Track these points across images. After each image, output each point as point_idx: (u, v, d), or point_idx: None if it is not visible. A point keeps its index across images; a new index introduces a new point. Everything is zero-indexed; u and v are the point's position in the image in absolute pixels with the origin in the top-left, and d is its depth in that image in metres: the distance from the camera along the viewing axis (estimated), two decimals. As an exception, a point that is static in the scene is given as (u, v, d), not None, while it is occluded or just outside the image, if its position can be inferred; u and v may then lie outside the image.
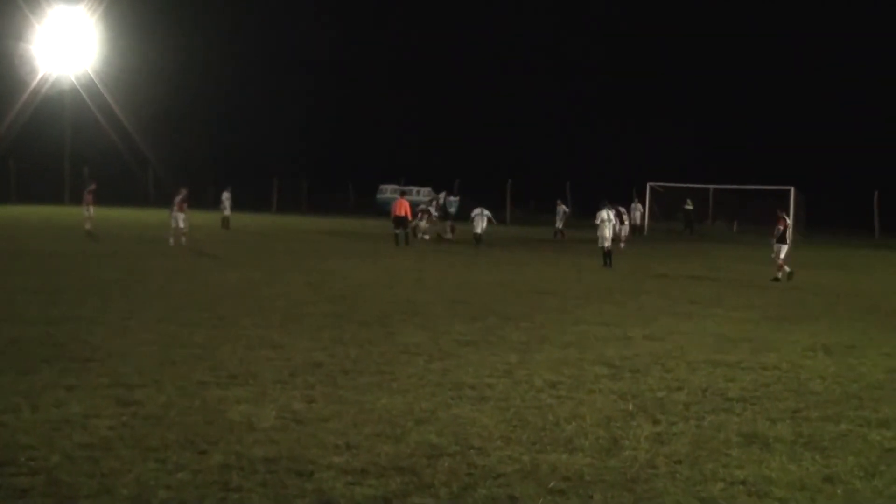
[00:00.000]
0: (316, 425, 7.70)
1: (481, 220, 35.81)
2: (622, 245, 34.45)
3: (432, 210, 39.08)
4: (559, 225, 40.57)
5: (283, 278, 19.90)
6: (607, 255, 26.09)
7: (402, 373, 9.89)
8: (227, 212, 40.34)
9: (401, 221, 32.91)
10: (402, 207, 33.27)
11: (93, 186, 34.36)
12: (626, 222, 36.44)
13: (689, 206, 48.57)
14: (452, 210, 64.00)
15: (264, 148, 74.91)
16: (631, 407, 8.65)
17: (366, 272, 22.23)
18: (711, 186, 49.06)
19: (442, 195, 62.57)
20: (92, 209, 33.15)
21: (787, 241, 23.46)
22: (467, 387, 9.28)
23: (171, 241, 28.34)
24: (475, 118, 76.70)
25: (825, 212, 48.44)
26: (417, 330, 12.90)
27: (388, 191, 66.34)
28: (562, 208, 41.63)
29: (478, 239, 34.80)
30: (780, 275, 22.78)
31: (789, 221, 23.59)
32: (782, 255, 23.10)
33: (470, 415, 8.18)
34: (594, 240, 27.78)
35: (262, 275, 20.49)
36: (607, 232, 26.39)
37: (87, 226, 32.38)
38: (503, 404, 8.61)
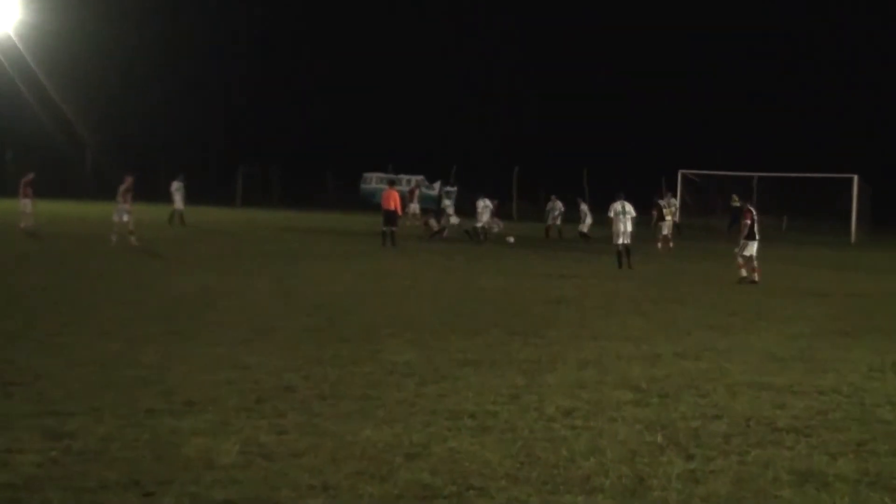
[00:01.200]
0: (287, 461, 7.64)
1: (486, 212, 36.07)
2: (671, 245, 34.65)
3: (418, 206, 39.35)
4: (583, 228, 39.95)
5: (249, 285, 19.85)
6: (622, 254, 26.47)
7: (389, 398, 9.85)
8: (179, 205, 40.20)
9: (391, 217, 32.83)
10: (392, 200, 33.17)
11: (30, 177, 33.55)
12: (669, 217, 36.65)
13: (737, 203, 48.08)
14: (449, 202, 64.17)
15: (226, 130, 74.91)
16: (660, 439, 8.61)
17: (348, 278, 22.19)
18: (756, 174, 48.99)
19: (436, 185, 62.78)
20: (29, 204, 32.33)
21: (756, 238, 23.79)
22: (466, 415, 9.24)
23: (114, 238, 28.24)
24: (475, 94, 76.80)
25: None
26: (408, 347, 12.87)
27: (373, 180, 66.46)
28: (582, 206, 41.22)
29: (478, 234, 34.94)
30: (755, 276, 23.40)
31: (756, 214, 24.21)
32: (746, 252, 23.63)
33: (469, 448, 8.14)
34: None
35: (225, 281, 20.43)
36: (622, 227, 26.78)
37: (23, 223, 31.73)
38: (509, 436, 8.57)
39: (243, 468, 7.45)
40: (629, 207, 27.47)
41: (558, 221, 41.01)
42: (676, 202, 45.01)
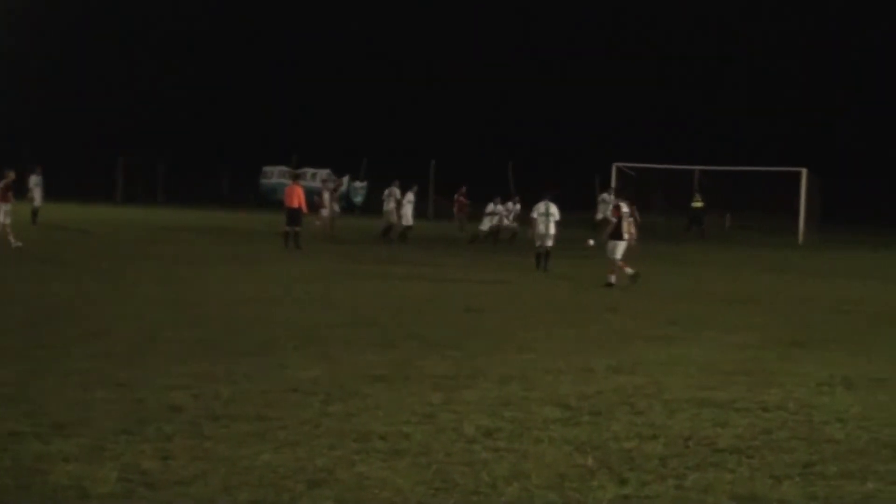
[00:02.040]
0: (173, 490, 7.57)
1: (410, 208, 36.50)
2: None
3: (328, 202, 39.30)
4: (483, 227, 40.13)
5: (131, 292, 19.62)
6: (541, 256, 27.59)
7: (291, 419, 9.80)
8: (37, 202, 39.82)
9: (295, 215, 32.74)
10: (297, 197, 33.10)
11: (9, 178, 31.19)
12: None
13: (699, 204, 48.28)
14: (358, 199, 64.24)
15: (106, 118, 73.80)
16: (591, 461, 8.68)
17: (246, 284, 22.05)
18: (697, 168, 49.62)
19: (345, 180, 62.63)
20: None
21: (624, 237, 24.41)
22: (377, 437, 9.24)
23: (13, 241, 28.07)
24: (384, 78, 76.85)
25: (848, 201, 49.36)
26: (313, 361, 12.82)
27: (274, 174, 66.14)
28: (499, 206, 41.39)
29: (391, 232, 35.28)
30: (613, 279, 23.90)
31: (625, 210, 24.93)
32: (618, 254, 24.13)
33: (379, 474, 8.14)
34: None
35: (102, 287, 20.18)
36: (542, 228, 27.84)
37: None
38: (423, 459, 8.58)
39: (122, 498, 7.36)
40: (553, 209, 28.31)
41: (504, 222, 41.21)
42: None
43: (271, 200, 61.26)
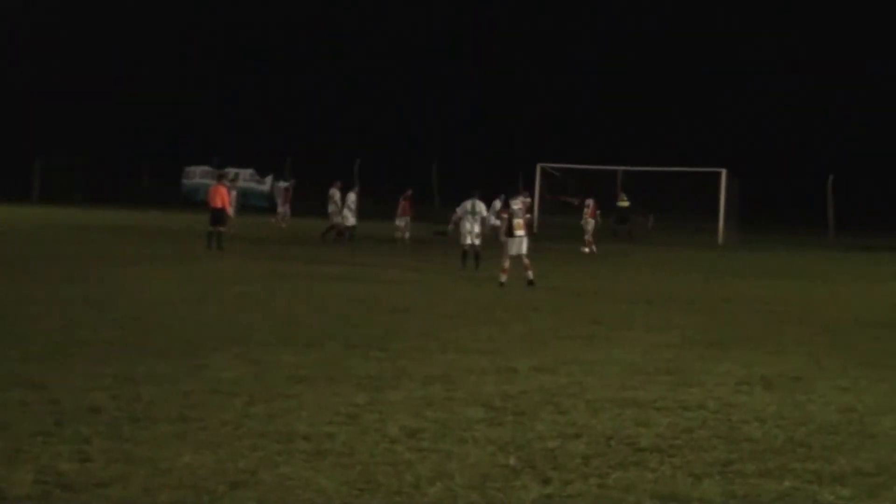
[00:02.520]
0: (91, 492, 7.48)
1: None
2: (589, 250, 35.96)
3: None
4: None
5: (48, 293, 19.35)
6: (467, 254, 28.06)
7: (212, 420, 9.73)
8: None
9: (219, 216, 32.53)
10: (220, 197, 32.90)
11: None
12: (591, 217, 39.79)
13: (624, 202, 48.60)
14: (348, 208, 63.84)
15: (22, 118, 72.59)
16: (514, 461, 8.70)
17: (167, 284, 21.86)
18: (620, 168, 49.98)
19: (268, 180, 62.32)
20: None
21: (516, 235, 24.68)
22: (300, 437, 9.20)
23: None
24: (307, 77, 76.55)
25: (768, 202, 50.00)
26: (235, 362, 12.74)
27: (196, 174, 65.61)
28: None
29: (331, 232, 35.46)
30: (503, 279, 24.12)
31: (515, 207, 25.30)
32: (512, 252, 24.45)
33: (303, 474, 8.10)
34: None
35: (19, 288, 19.89)
36: (468, 226, 28.32)
37: None
38: (347, 460, 8.56)
39: (39, 500, 7.27)
40: (480, 207, 28.70)
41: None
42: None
43: (193, 201, 60.80)
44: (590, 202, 40.52)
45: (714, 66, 70.22)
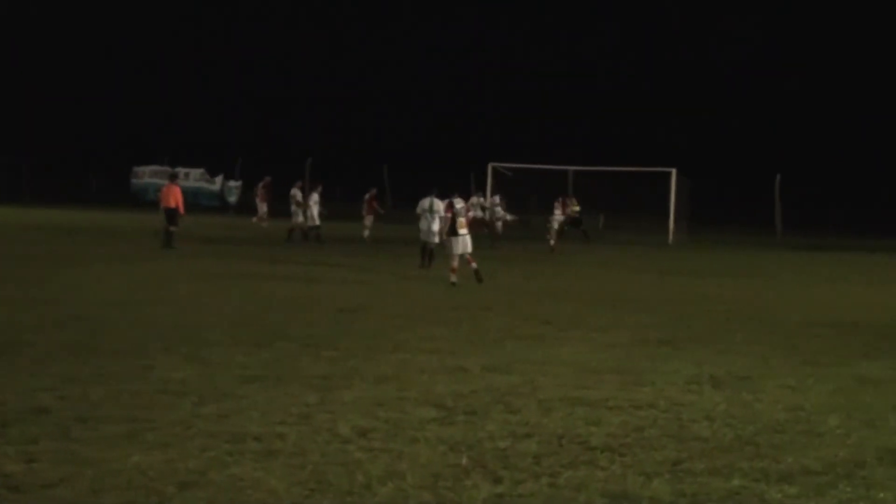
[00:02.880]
0: (38, 493, 7.43)
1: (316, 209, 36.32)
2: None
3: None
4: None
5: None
6: (425, 252, 28.40)
7: (162, 420, 9.67)
8: None
9: (172, 215, 32.44)
10: (173, 197, 32.82)
11: None
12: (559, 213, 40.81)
13: (577, 208, 48.53)
14: (233, 199, 63.64)
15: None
16: (465, 461, 8.72)
17: (116, 284, 21.69)
18: (571, 168, 50.11)
19: (218, 179, 62.02)
20: None
21: (460, 233, 25.02)
22: (250, 438, 9.17)
23: None
24: (258, 77, 76.23)
25: (717, 201, 50.29)
26: (184, 362, 12.67)
27: (146, 174, 65.16)
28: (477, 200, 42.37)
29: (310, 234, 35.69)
30: (453, 279, 24.31)
31: (458, 206, 26.09)
32: (457, 250, 24.74)
33: (253, 475, 8.08)
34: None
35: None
36: (427, 225, 28.65)
37: None
38: (297, 460, 8.54)
39: (-14, 504, 7.21)
40: (438, 205, 28.87)
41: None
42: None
43: (143, 200, 60.38)
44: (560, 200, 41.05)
45: (664, 65, 70.69)
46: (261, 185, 48.65)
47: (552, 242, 38.63)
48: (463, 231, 24.87)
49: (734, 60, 69.13)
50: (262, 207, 45.96)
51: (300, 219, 38.99)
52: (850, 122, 65.35)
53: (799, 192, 52.53)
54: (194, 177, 61.18)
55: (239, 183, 64.39)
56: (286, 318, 17.24)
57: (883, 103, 64.19)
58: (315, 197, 38.67)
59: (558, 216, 40.38)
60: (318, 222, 38.34)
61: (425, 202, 29.17)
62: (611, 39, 72.28)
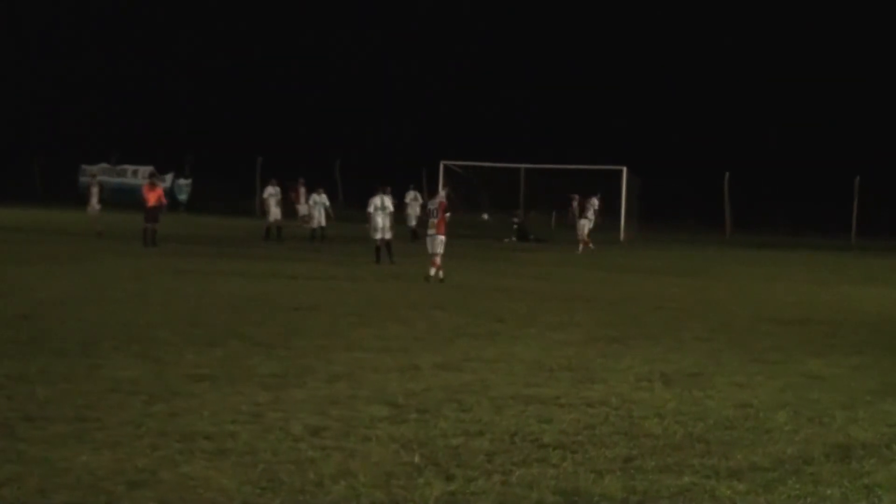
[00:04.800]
0: (-15, 495, 7.37)
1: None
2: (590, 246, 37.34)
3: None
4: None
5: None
6: (380, 249, 28.98)
7: (111, 419, 9.62)
8: None
9: (154, 213, 33.08)
10: (156, 196, 33.79)
11: None
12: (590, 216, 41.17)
13: (518, 219, 48.45)
14: (183, 197, 63.22)
15: None
16: (417, 459, 8.74)
17: (63, 283, 21.52)
18: (523, 166, 50.13)
19: (168, 177, 61.60)
20: None
21: (428, 233, 25.65)
22: (201, 437, 9.14)
23: None
24: (210, 73, 75.68)
25: (667, 199, 50.50)
26: (134, 361, 12.60)
27: (90, 172, 64.63)
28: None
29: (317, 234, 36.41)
30: (432, 272, 25.00)
31: (431, 207, 26.45)
32: (429, 250, 25.38)
33: (204, 474, 8.06)
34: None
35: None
36: (380, 222, 29.08)
37: None
38: (249, 459, 8.53)
39: (-68, 504, 7.14)
40: (388, 202, 29.46)
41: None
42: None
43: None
44: (575, 199, 41.08)
45: (613, 63, 70.90)
46: (297, 185, 48.01)
47: (591, 246, 38.94)
48: (431, 231, 25.34)
49: (683, 57, 69.49)
50: (302, 209, 45.57)
51: (273, 218, 38.98)
52: (798, 121, 65.94)
53: (748, 190, 52.99)
54: (143, 175, 60.69)
55: (189, 181, 63.97)
56: (239, 317, 17.17)
57: (830, 102, 64.86)
58: (270, 189, 38.66)
59: (588, 218, 40.45)
60: (278, 217, 38.39)
61: (377, 200, 29.43)
62: (562, 37, 72.40)
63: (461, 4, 74.64)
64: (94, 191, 38.05)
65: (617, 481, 8.33)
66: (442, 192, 28.30)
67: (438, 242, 25.12)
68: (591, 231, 40.34)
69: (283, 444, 9.04)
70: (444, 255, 25.12)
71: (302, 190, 42.06)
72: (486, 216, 40.95)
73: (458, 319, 17.99)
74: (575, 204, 41.05)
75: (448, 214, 25.76)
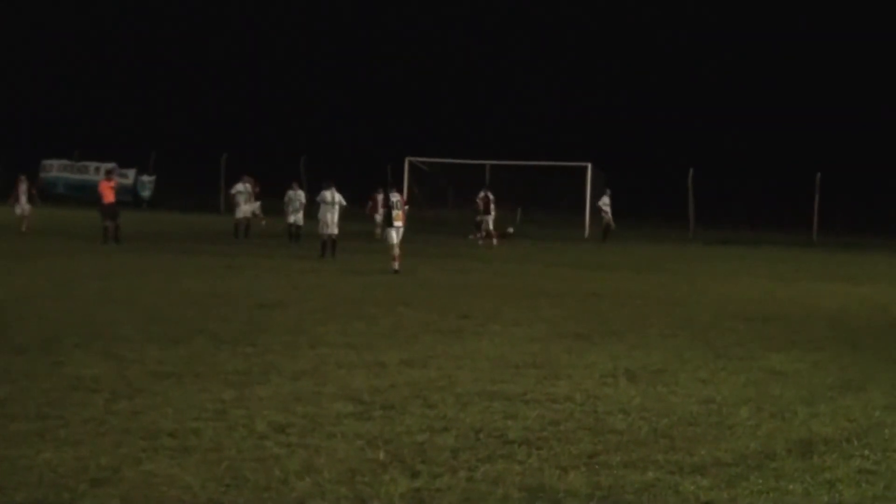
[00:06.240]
0: (-54, 494, 7.31)
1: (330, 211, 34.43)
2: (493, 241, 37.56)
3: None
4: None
5: None
6: (325, 244, 29.63)
7: (73, 417, 9.56)
8: None
9: (113, 210, 32.77)
10: (112, 192, 33.48)
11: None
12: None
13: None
14: (146, 194, 62.91)
15: None
16: (382, 455, 8.74)
17: (22, 280, 21.39)
18: (488, 162, 50.19)
19: (131, 173, 61.27)
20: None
21: (395, 224, 26.54)
22: (165, 434, 9.10)
23: None
24: (174, 68, 75.32)
25: (631, 195, 50.63)
26: (97, 358, 12.53)
27: (54, 168, 64.21)
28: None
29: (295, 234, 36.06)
30: (396, 265, 25.77)
31: (394, 200, 27.21)
32: (393, 240, 26.28)
33: (168, 471, 8.03)
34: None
35: None
36: (329, 217, 29.70)
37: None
38: (214, 456, 8.50)
39: None
40: (338, 197, 30.07)
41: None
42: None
43: (51, 194, 59.40)
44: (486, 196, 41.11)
45: (577, 59, 71.14)
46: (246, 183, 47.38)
47: (494, 242, 39.00)
48: (398, 223, 26.31)
49: (649, 55, 69.85)
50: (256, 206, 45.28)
51: (241, 214, 38.89)
52: (761, 119, 66.38)
53: (711, 187, 53.27)
54: (104, 171, 60.32)
55: (153, 178, 63.66)
56: (202, 314, 17.11)
57: (792, 101, 65.34)
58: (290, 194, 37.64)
59: (491, 214, 40.50)
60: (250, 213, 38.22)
61: (326, 194, 30.10)
62: (528, 33, 72.59)
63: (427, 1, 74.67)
64: (23, 188, 36.96)
65: (582, 477, 8.36)
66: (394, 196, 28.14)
67: (401, 232, 26.30)
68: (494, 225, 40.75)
69: (248, 442, 9.02)
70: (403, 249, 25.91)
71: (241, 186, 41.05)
72: (511, 230, 40.84)
73: (423, 316, 18.00)
74: (479, 200, 41.16)
75: (406, 207, 26.59)
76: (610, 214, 45.07)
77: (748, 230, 52.50)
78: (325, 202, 29.82)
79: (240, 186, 39.34)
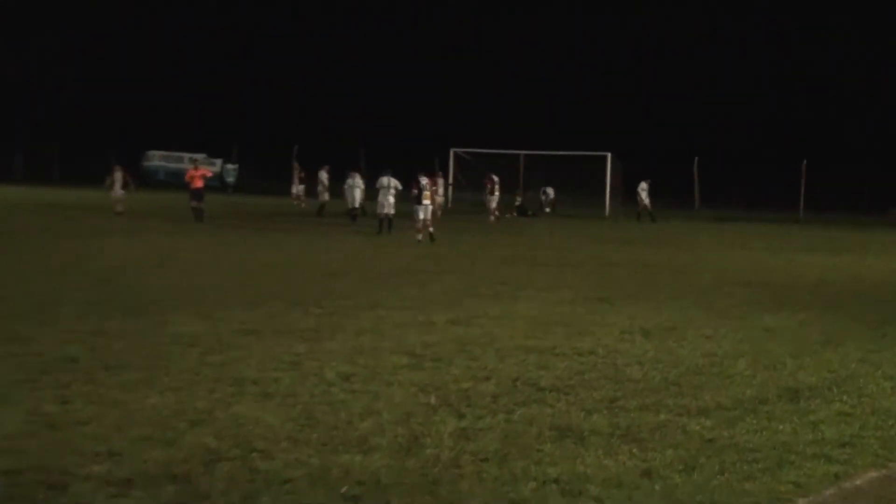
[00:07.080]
0: (72, 430, 7.44)
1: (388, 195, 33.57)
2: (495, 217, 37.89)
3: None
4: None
5: (22, 259, 19.04)
6: (383, 222, 29.63)
7: (174, 367, 9.69)
8: None
9: (199, 194, 32.99)
10: (201, 178, 33.61)
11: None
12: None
13: (518, 202, 48.27)
14: (231, 180, 63.15)
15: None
16: (433, 400, 8.79)
17: (129, 253, 21.60)
18: (522, 152, 50.11)
19: (218, 161, 61.59)
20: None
21: (424, 203, 27.34)
22: (249, 382, 9.20)
23: None
24: (256, 66, 75.21)
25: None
26: (192, 318, 12.65)
27: (156, 157, 64.64)
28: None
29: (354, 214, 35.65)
30: (420, 237, 26.65)
31: (423, 182, 27.94)
32: (420, 216, 27.17)
33: (252, 413, 8.12)
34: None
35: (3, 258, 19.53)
36: (384, 199, 29.74)
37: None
38: (290, 401, 8.59)
39: (26, 437, 7.21)
40: (394, 182, 30.01)
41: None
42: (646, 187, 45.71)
43: (153, 180, 59.95)
44: (490, 179, 40.85)
45: (599, 65, 70.52)
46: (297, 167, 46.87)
47: (492, 219, 39.16)
48: (427, 202, 27.12)
49: (661, 58, 69.06)
50: (300, 189, 45.30)
51: (325, 197, 39.53)
52: (758, 112, 65.72)
53: (713, 173, 53.21)
54: (193, 160, 60.70)
55: (236, 166, 64.05)
56: (278, 281, 17.24)
57: (790, 98, 64.79)
58: (349, 181, 36.98)
59: (495, 195, 40.38)
60: (357, 204, 36.26)
61: (383, 179, 30.06)
62: (564, 35, 71.55)
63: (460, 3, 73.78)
64: (118, 176, 36.40)
65: (603, 418, 8.39)
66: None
67: (430, 211, 27.49)
68: (498, 205, 40.63)
69: (319, 388, 9.10)
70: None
71: (324, 174, 40.97)
72: (548, 209, 41.12)
73: (465, 282, 18.03)
74: (487, 182, 40.90)
75: (441, 190, 27.30)
76: (646, 200, 44.74)
77: (744, 210, 52.27)
78: (382, 187, 29.78)
79: (324, 174, 39.95)
